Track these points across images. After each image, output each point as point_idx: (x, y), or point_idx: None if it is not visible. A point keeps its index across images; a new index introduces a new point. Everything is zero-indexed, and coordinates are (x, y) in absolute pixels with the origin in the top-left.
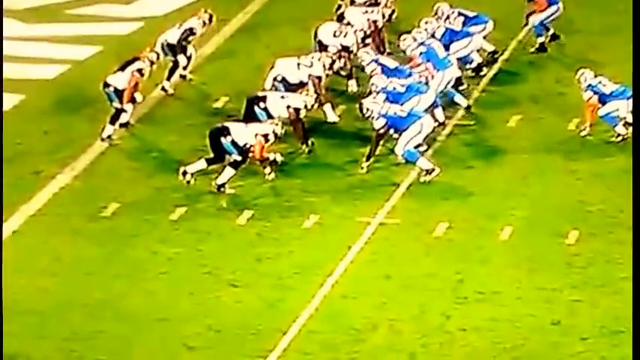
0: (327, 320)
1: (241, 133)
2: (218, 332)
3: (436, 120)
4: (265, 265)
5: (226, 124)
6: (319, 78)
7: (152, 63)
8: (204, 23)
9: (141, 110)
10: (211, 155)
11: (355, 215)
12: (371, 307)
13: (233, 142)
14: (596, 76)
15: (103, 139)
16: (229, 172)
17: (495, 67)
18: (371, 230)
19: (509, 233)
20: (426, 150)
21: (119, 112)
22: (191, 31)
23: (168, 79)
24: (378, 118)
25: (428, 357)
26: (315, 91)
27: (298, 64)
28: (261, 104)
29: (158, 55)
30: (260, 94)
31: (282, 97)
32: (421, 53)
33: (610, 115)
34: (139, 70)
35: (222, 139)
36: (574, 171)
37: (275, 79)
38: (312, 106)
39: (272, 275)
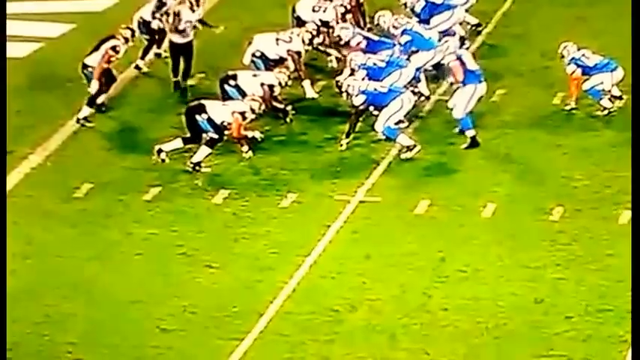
0: (306, 301)
1: (218, 110)
2: (193, 314)
3: (421, 94)
4: (242, 246)
5: (202, 101)
6: (298, 53)
7: (126, 40)
8: None
9: (115, 89)
10: (187, 134)
11: (334, 193)
12: (350, 288)
13: (209, 120)
14: (579, 49)
15: (78, 120)
16: (205, 150)
17: (479, 41)
18: (350, 209)
19: (492, 210)
20: (407, 126)
21: (98, 93)
22: (161, 2)
23: (143, 57)
24: (357, 94)
25: (409, 337)
26: (295, 67)
27: (277, 40)
28: (232, 82)
29: (133, 31)
30: (230, 72)
31: (255, 74)
32: (407, 42)
33: (594, 89)
34: (113, 48)
35: (198, 117)
36: (559, 146)
37: (254, 54)
38: (287, 83)
39: (249, 256)
